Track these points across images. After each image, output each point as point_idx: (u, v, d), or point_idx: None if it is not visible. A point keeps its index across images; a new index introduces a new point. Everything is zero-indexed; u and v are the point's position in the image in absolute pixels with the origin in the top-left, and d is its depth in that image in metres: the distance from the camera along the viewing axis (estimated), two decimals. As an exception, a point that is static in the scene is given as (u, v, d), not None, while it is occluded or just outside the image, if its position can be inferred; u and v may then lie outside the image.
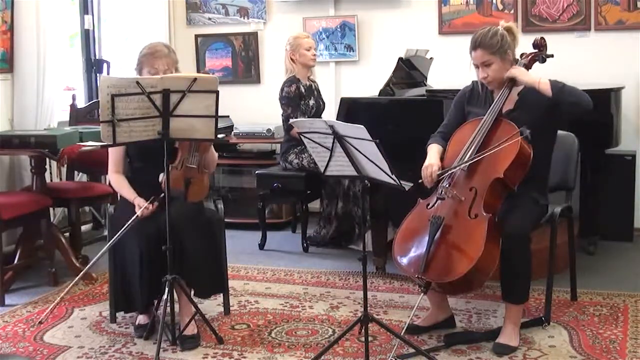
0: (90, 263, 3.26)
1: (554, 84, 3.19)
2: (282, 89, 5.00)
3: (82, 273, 3.20)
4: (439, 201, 3.23)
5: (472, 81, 3.51)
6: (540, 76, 3.24)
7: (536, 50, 3.44)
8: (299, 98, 4.96)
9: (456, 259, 3.06)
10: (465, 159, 3.21)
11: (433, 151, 3.40)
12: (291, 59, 5.01)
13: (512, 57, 3.34)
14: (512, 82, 3.30)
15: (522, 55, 3.41)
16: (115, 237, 3.19)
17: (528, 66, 3.39)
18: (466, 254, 3.04)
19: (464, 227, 3.12)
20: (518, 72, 3.26)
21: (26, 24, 4.72)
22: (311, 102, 5.01)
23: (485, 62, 3.29)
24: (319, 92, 5.18)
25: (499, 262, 3.07)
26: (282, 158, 5.07)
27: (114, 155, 3.50)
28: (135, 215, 3.24)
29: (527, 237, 3.18)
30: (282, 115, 5.04)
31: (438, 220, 3.14)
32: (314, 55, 5.06)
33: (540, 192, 3.38)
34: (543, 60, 3.45)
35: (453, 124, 3.47)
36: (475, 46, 3.30)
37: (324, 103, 5.17)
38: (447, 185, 3.25)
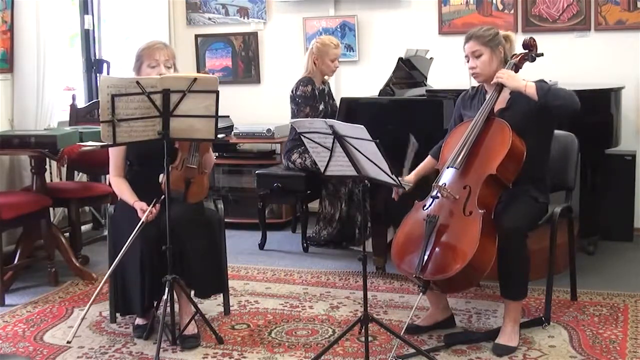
0: (101, 283, 3.23)
1: (540, 87, 3.19)
2: (296, 88, 4.96)
3: (93, 296, 3.15)
4: (434, 201, 3.25)
5: (470, 87, 3.54)
6: (527, 79, 3.25)
7: (526, 50, 3.45)
8: (314, 99, 4.95)
9: (451, 256, 3.07)
10: (459, 159, 3.23)
11: (420, 165, 3.52)
12: (314, 62, 4.98)
13: (503, 55, 3.38)
14: (501, 84, 3.32)
15: (512, 55, 3.42)
16: (124, 248, 3.16)
17: (518, 66, 3.41)
18: (461, 250, 3.05)
19: (458, 224, 3.13)
20: (505, 76, 3.27)
21: (26, 24, 4.72)
22: (321, 106, 4.98)
23: (475, 53, 3.34)
24: (330, 95, 5.14)
25: (496, 259, 3.08)
26: (285, 157, 5.06)
27: (115, 159, 3.50)
28: (141, 221, 3.23)
29: (524, 233, 3.18)
30: (296, 114, 4.92)
31: (433, 219, 3.15)
32: (337, 67, 5.03)
33: (539, 189, 3.38)
34: (533, 60, 3.47)
35: None
36: (468, 38, 3.38)
37: (332, 108, 5.04)
38: (442, 185, 3.25)
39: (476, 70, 3.36)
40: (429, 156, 3.55)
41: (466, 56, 3.39)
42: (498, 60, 3.36)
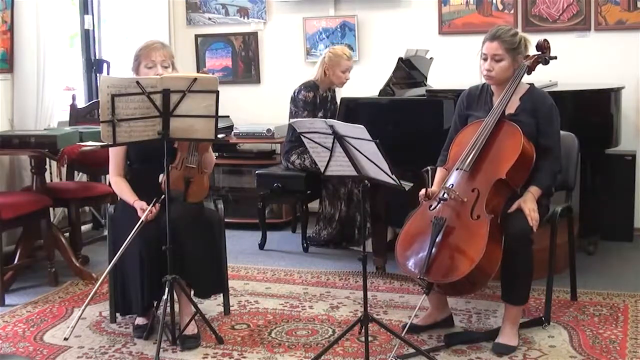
0: (99, 281, 3.22)
1: (541, 190, 3.26)
2: (298, 91, 4.95)
3: (92, 292, 3.13)
4: (441, 202, 3.23)
5: (472, 86, 3.52)
6: (527, 198, 3.22)
7: (539, 52, 3.43)
8: (313, 105, 4.95)
9: (458, 260, 3.05)
10: (467, 161, 3.21)
11: (437, 178, 3.44)
12: (324, 71, 4.95)
13: (520, 63, 3.33)
14: (515, 87, 3.30)
15: (526, 57, 3.40)
16: (123, 246, 3.16)
17: (532, 68, 3.39)
18: (468, 255, 3.03)
19: (466, 228, 3.11)
20: (535, 216, 3.18)
21: (26, 24, 4.72)
22: (320, 114, 4.97)
23: (496, 56, 3.27)
24: (332, 102, 5.12)
25: (501, 263, 3.07)
26: (284, 158, 5.07)
27: (115, 159, 3.50)
28: (141, 220, 3.23)
29: (530, 238, 3.17)
30: (294, 115, 4.93)
31: (440, 221, 3.13)
32: (347, 79, 5.00)
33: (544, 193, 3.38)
34: (546, 62, 3.45)
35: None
36: (494, 37, 3.29)
37: (332, 113, 5.02)
38: (450, 186, 3.24)
39: (492, 73, 3.29)
40: (439, 169, 3.47)
41: (484, 54, 3.31)
42: (514, 68, 3.31)
